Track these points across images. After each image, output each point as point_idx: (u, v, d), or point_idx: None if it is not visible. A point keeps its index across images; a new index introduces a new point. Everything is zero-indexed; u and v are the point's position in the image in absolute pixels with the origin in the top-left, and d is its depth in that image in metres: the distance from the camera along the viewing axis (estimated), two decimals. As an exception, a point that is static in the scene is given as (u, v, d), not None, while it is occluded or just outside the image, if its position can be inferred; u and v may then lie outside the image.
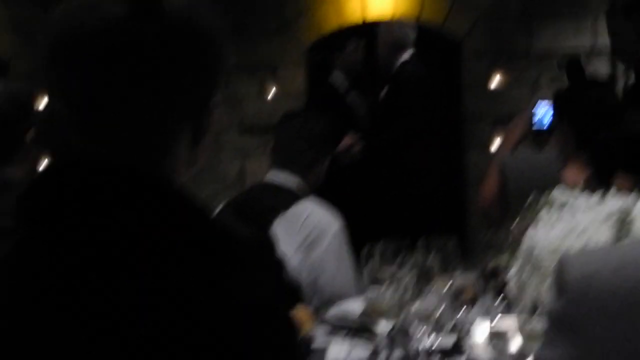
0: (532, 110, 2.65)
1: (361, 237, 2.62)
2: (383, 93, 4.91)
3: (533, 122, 2.64)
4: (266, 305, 0.91)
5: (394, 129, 4.81)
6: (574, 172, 2.44)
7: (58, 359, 0.89)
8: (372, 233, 2.62)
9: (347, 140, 4.15)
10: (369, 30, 5.46)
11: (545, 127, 2.62)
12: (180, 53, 0.97)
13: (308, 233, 2.52)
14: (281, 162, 2.74)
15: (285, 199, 2.61)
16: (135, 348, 0.87)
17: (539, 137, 2.73)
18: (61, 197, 0.93)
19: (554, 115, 2.54)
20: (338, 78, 5.02)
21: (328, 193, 2.78)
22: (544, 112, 2.63)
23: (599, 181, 2.35)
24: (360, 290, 2.10)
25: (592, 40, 6.41)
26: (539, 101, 2.66)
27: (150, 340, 0.87)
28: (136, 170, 0.95)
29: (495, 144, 6.23)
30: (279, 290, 0.98)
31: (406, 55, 4.86)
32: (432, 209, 4.93)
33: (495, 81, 6.46)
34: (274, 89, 6.36)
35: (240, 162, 6.38)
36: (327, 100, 4.88)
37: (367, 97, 5.09)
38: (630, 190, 1.86)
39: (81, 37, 0.94)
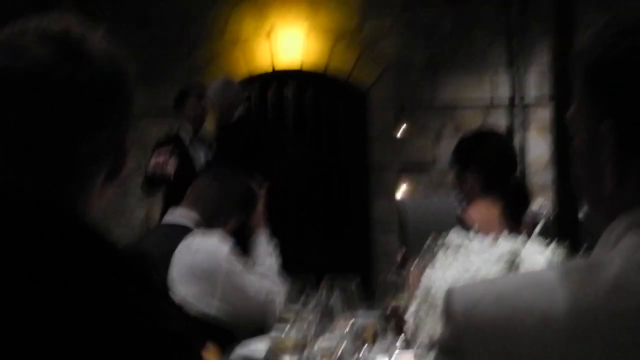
0: None
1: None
2: (215, 145, 5.25)
3: None
4: (178, 338, 0.93)
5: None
6: (480, 212, 2.55)
7: None
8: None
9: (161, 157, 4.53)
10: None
11: None
12: (104, 95, 1.01)
13: (201, 269, 2.44)
14: (186, 202, 2.73)
15: (176, 235, 2.55)
16: None
17: None
18: None
19: (458, 161, 2.66)
20: (183, 131, 5.33)
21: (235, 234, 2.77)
22: None
23: (511, 218, 2.48)
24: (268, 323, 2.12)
25: (491, 92, 6.68)
26: None
27: None
28: (48, 202, 0.97)
29: (400, 191, 6.41)
30: (190, 326, 1.01)
31: (240, 111, 5.19)
32: (337, 250, 5.13)
33: (401, 130, 6.64)
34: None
35: (146, 207, 6.31)
36: (174, 148, 5.09)
37: (209, 148, 5.34)
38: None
39: (6, 78, 0.97)
